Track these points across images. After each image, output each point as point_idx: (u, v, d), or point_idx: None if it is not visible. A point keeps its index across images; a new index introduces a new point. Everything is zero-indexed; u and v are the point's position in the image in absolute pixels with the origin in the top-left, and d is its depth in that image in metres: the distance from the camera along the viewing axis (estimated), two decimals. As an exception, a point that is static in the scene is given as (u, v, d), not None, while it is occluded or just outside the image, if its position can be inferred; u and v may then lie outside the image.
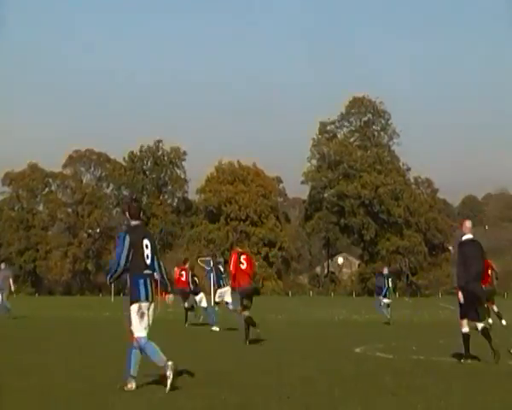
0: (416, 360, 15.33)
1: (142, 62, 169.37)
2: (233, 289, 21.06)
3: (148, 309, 10.97)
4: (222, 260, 27.86)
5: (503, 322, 26.63)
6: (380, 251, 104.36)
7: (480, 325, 14.56)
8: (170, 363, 10.70)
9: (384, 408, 9.49)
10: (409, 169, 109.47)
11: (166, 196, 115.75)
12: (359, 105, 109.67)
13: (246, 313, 19.04)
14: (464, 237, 14.72)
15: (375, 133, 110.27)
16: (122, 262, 10.93)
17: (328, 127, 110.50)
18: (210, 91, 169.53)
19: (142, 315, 10.90)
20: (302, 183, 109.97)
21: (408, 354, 16.50)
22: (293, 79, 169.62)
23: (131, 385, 10.91)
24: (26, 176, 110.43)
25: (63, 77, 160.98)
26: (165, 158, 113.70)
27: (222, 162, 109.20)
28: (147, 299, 10.93)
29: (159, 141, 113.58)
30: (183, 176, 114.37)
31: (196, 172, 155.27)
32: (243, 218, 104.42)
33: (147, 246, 11.09)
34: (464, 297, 14.39)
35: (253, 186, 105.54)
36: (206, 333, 24.56)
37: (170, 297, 11.60)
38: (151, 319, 11.04)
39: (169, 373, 10.65)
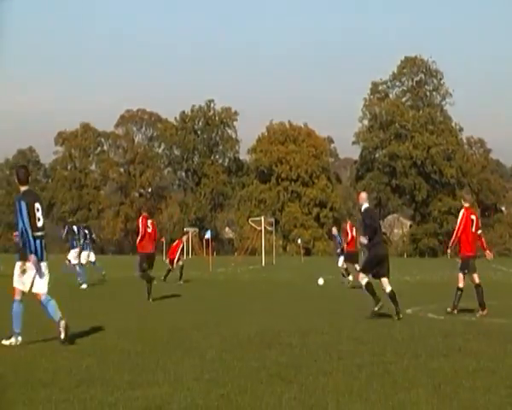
0: (468, 321, 15.20)
1: (196, 22, 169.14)
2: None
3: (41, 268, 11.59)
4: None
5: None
6: (431, 212, 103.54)
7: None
8: (62, 322, 11.41)
9: (436, 370, 9.42)
10: (461, 130, 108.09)
11: (217, 157, 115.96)
12: (411, 65, 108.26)
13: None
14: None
15: (428, 93, 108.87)
16: (27, 226, 11.45)
17: (380, 87, 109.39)
18: (261, 52, 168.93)
19: (24, 272, 11.50)
20: (353, 143, 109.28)
21: (460, 315, 16.37)
22: (346, 38, 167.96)
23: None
24: (79, 135, 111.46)
25: (117, 38, 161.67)
26: (217, 118, 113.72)
27: (273, 122, 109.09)
28: (41, 259, 11.55)
29: (210, 101, 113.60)
30: (234, 136, 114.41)
31: (247, 133, 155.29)
32: (294, 178, 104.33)
33: (38, 209, 11.62)
34: None
35: (304, 146, 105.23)
36: (258, 292, 24.64)
37: None
38: (47, 277, 11.67)
39: (61, 329, 11.39)
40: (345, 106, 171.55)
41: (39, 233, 11.57)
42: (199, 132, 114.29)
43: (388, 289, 15.51)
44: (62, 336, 11.41)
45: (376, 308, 15.45)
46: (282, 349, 11.05)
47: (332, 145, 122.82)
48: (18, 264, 11.58)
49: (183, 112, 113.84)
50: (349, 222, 28.33)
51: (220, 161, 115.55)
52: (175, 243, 30.73)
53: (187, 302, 20.31)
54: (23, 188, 11.73)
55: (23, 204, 11.47)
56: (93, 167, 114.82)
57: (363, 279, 15.61)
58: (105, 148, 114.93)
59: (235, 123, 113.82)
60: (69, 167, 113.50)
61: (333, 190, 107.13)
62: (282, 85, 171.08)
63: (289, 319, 15.40)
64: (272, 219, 70.57)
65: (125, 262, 53.26)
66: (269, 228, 65.33)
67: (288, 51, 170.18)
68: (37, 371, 9.24)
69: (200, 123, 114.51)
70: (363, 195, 16.33)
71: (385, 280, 15.51)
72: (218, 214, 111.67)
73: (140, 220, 21.17)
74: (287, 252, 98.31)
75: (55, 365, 9.69)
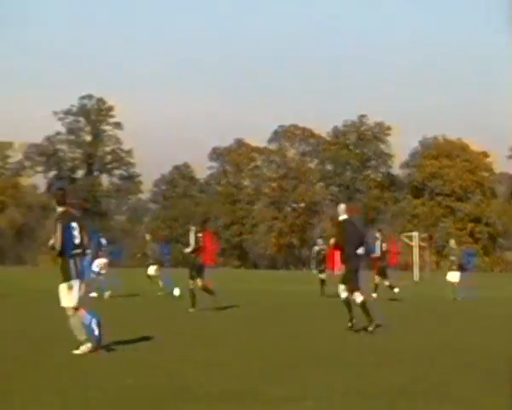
0: None
1: (351, 37, 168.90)
2: None
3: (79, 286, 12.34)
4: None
5: None
6: None
7: None
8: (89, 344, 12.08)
9: None
10: None
11: (370, 171, 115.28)
12: None
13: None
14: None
15: None
16: (58, 245, 12.17)
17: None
18: (415, 65, 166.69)
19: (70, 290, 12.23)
20: (510, 157, 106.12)
21: None
22: (498, 50, 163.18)
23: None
24: (233, 151, 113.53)
25: (272, 54, 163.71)
26: (369, 133, 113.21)
27: (427, 137, 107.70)
28: (77, 277, 12.25)
29: (362, 116, 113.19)
30: (387, 151, 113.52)
31: (400, 147, 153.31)
32: (448, 193, 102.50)
33: (74, 228, 12.31)
34: None
35: (458, 161, 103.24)
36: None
37: None
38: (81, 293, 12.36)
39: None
40: (501, 119, 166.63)
41: (76, 251, 12.30)
42: (351, 147, 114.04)
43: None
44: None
45: None
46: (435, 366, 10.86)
47: (487, 160, 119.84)
48: (63, 285, 12.28)
49: (336, 127, 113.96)
50: None
51: (373, 176, 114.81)
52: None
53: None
54: (60, 209, 12.47)
55: (59, 225, 12.21)
56: (246, 182, 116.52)
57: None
58: (258, 163, 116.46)
59: (388, 138, 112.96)
60: (223, 183, 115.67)
61: (488, 205, 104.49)
62: (434, 99, 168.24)
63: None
64: (425, 235, 69.76)
65: (278, 277, 53.66)
66: (422, 243, 64.67)
67: (440, 66, 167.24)
68: (189, 381, 9.50)
69: (353, 138, 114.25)
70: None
71: None
72: (370, 230, 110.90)
73: None
74: (440, 268, 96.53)
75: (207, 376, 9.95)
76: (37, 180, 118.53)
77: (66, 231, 12.20)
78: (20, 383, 9.39)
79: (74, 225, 12.39)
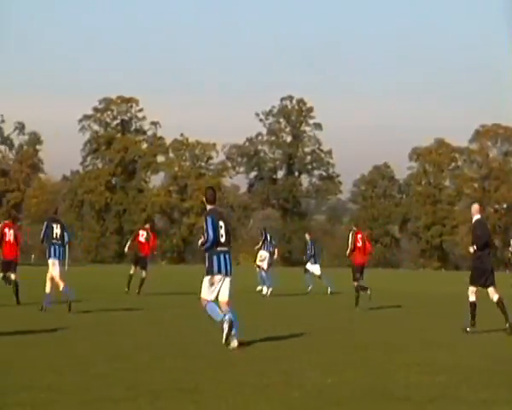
0: None
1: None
2: None
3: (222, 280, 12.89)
4: None
5: None
6: None
7: None
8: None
9: None
10: None
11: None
12: None
13: None
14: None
15: None
16: (212, 238, 12.79)
17: None
18: None
19: (212, 284, 12.85)
20: None
21: None
22: None
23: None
24: (433, 151, 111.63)
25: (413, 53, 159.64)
26: None
27: None
28: (219, 272, 12.81)
29: None
30: None
31: None
32: None
33: (221, 226, 12.93)
34: None
35: None
36: None
37: None
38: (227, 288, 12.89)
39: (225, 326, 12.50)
40: None
41: (222, 248, 12.85)
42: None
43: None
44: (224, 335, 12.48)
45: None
46: None
47: None
48: (207, 278, 12.91)
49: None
50: None
51: None
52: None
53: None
54: (209, 207, 13.23)
55: (209, 220, 12.88)
56: (447, 183, 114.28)
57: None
58: (459, 163, 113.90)
59: None
60: (423, 183, 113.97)
61: None
62: None
63: None
64: None
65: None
66: None
67: None
68: (392, 384, 9.46)
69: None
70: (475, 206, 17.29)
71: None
72: None
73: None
74: None
75: (413, 380, 9.87)
76: (239, 181, 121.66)
77: (214, 228, 12.77)
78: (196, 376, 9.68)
79: (221, 223, 12.94)
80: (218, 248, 12.85)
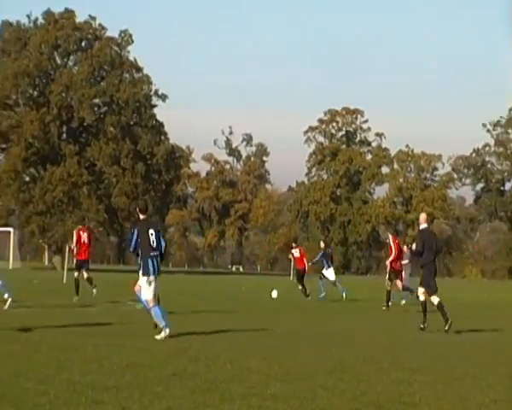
0: None
1: None
2: None
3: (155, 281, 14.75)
4: None
5: None
6: None
7: None
8: (167, 330, 14.33)
9: None
10: None
11: None
12: None
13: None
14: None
15: None
16: (131, 248, 14.80)
17: None
18: None
19: (150, 284, 14.67)
20: None
21: None
22: None
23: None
24: None
25: None
26: None
27: None
28: (153, 273, 14.66)
29: None
30: None
31: None
32: None
33: (151, 234, 14.65)
34: None
35: None
36: None
37: None
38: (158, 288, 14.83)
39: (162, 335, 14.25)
40: None
41: (152, 253, 14.60)
42: None
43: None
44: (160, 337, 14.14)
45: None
46: None
47: None
48: (143, 278, 14.66)
49: None
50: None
51: None
52: None
53: None
54: (142, 216, 14.93)
55: (135, 231, 14.76)
56: None
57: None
58: None
59: None
60: None
61: None
62: None
63: None
64: None
65: None
66: None
67: None
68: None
69: None
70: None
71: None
72: None
73: None
74: None
75: None
76: (465, 192, 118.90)
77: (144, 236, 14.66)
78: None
79: (152, 231, 14.68)
80: (151, 253, 14.59)
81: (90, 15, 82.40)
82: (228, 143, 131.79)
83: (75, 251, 25.22)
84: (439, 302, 17.18)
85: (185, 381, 9.51)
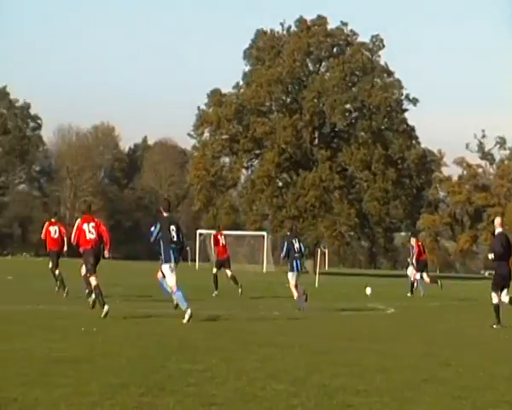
0: None
1: None
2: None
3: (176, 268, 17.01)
4: None
5: None
6: None
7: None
8: (189, 310, 16.44)
9: None
10: None
11: None
12: None
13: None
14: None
15: None
16: (152, 239, 17.04)
17: None
18: None
19: (172, 271, 16.94)
20: None
21: None
22: None
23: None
24: None
25: None
26: None
27: None
28: (174, 260, 16.95)
29: None
30: None
31: None
32: None
33: (173, 229, 17.00)
34: None
35: None
36: None
37: None
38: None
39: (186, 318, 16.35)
40: None
41: (173, 245, 16.91)
42: None
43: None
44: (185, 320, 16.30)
45: None
46: None
47: None
48: (166, 266, 16.94)
49: None
50: None
51: None
52: None
53: None
54: (165, 214, 17.33)
55: (157, 225, 17.00)
56: None
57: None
58: None
59: None
60: None
61: None
62: None
63: None
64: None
65: None
66: None
67: None
68: None
69: None
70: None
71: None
72: None
73: None
74: None
75: None
76: None
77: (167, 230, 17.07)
78: None
79: (173, 227, 17.17)
80: (172, 245, 16.84)
81: (341, 21, 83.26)
82: (480, 146, 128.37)
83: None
84: (497, 305, 18.29)
85: (436, 387, 9.35)
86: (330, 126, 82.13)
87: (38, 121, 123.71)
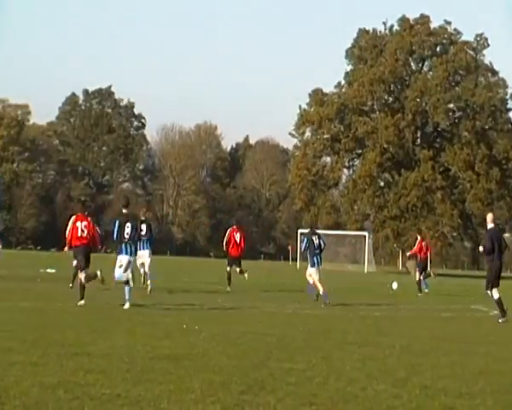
0: None
1: None
2: None
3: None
4: None
5: None
6: None
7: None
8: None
9: None
10: None
11: None
12: None
13: None
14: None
15: None
16: (115, 236, 18.54)
17: None
18: None
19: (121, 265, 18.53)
20: None
21: None
22: None
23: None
24: None
25: None
26: None
27: None
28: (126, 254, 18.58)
29: None
30: None
31: None
32: None
33: (128, 226, 18.44)
34: None
35: None
36: None
37: None
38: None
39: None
40: None
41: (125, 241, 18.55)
42: None
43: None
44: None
45: None
46: None
47: None
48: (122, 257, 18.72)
49: None
50: None
51: None
52: None
53: None
54: (123, 211, 19.04)
55: (116, 222, 18.68)
56: None
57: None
58: None
59: None
60: None
61: None
62: None
63: None
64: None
65: None
66: None
67: None
68: None
69: None
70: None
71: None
72: None
73: None
74: None
75: None
76: None
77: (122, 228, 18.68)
78: None
79: (128, 224, 18.64)
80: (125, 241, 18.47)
81: (445, 20, 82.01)
82: None
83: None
84: (499, 298, 19.08)
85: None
86: (433, 126, 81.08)
87: (142, 120, 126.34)
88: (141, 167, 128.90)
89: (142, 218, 25.71)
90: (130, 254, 18.59)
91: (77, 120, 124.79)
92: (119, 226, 18.40)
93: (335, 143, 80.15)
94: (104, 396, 7.79)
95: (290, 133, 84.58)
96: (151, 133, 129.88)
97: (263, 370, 9.83)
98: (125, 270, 18.36)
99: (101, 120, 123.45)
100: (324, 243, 23.71)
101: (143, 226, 25.03)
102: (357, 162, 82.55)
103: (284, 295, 26.58)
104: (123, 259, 18.46)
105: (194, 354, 10.95)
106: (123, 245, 18.45)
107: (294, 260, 68.36)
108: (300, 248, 23.43)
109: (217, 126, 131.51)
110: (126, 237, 18.39)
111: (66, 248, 19.99)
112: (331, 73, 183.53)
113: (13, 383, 8.15)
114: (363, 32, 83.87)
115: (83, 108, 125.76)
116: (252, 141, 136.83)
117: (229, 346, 12.09)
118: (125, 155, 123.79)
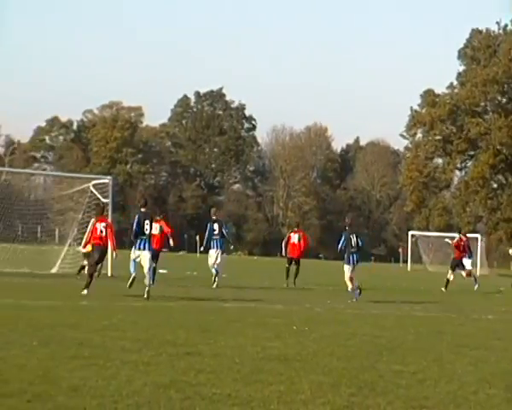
0: None
1: None
2: None
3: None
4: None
5: None
6: None
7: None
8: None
9: None
10: None
11: None
12: None
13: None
14: None
15: None
16: (134, 231, 20.20)
17: None
18: None
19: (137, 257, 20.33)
20: None
21: None
22: None
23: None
24: None
25: None
26: None
27: None
28: (143, 249, 20.20)
29: None
30: None
31: None
32: None
33: (147, 223, 20.20)
34: None
35: None
36: None
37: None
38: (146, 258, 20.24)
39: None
40: None
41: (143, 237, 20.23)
42: None
43: None
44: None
45: None
46: None
47: None
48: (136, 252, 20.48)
49: None
50: None
51: None
52: None
53: None
54: (142, 209, 20.62)
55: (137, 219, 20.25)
56: None
57: None
58: None
59: None
60: None
61: None
62: None
63: None
64: None
65: None
66: None
67: None
68: None
69: None
70: None
71: None
72: None
73: None
74: None
75: None
76: None
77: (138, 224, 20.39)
78: None
79: (147, 221, 20.35)
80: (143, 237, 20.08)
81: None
82: None
83: None
84: None
85: None
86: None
87: (253, 122, 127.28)
88: (251, 169, 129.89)
89: (214, 217, 26.60)
90: (149, 249, 20.25)
91: (188, 121, 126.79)
92: (138, 223, 20.08)
93: (447, 145, 78.95)
94: (215, 396, 7.88)
95: (401, 134, 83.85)
96: (262, 135, 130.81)
97: (372, 372, 9.79)
98: (149, 264, 20.17)
99: (213, 121, 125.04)
100: (363, 242, 23.87)
101: (215, 226, 26.08)
102: (469, 164, 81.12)
103: (395, 297, 26.36)
104: (144, 254, 20.09)
105: (303, 355, 10.98)
106: (141, 240, 20.07)
107: (405, 261, 67.56)
108: (337, 247, 23.37)
109: (327, 128, 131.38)
110: (146, 232, 20.08)
111: (83, 248, 24.03)
112: (443, 73, 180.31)
113: (125, 383, 8.30)
114: (476, 32, 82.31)
115: (194, 109, 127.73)
116: (362, 142, 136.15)
117: (338, 347, 12.07)
118: (236, 156, 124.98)
